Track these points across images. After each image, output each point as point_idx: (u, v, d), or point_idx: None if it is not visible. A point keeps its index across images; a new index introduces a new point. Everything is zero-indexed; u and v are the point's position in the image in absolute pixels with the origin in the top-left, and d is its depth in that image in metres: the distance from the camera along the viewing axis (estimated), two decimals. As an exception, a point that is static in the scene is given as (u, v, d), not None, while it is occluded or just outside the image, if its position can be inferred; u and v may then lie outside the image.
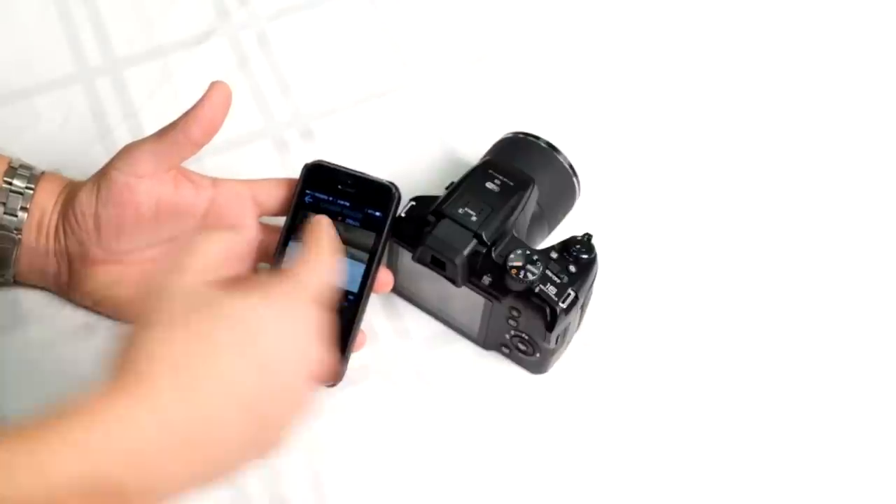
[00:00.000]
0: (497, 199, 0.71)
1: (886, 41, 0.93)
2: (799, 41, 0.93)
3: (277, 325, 0.55)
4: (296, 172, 0.73)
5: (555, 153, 0.76)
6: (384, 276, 0.73)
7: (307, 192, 0.72)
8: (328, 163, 0.73)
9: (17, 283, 0.74)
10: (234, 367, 0.53)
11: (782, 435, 0.74)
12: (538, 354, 0.73)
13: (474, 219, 0.70)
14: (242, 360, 0.53)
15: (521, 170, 0.73)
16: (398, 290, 0.76)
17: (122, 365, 0.52)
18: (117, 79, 0.86)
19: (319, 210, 0.72)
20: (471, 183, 0.71)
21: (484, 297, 0.70)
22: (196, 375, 0.52)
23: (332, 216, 0.72)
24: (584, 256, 0.70)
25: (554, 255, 0.70)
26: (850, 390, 0.76)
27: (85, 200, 0.70)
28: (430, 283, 0.72)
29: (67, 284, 0.73)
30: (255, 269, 0.74)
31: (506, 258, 0.69)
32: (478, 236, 0.69)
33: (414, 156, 0.84)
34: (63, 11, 0.89)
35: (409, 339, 0.76)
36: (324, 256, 0.61)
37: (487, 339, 0.75)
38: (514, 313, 0.70)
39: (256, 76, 0.87)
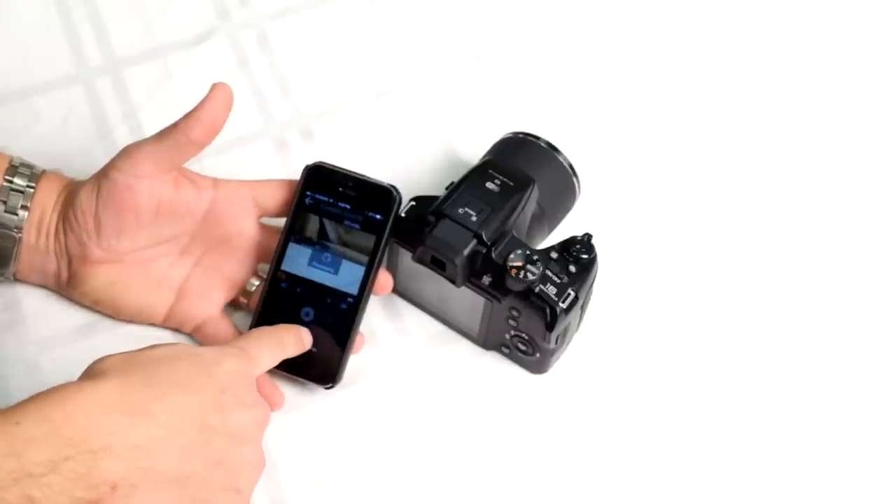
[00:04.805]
0: (497, 199, 0.71)
1: (886, 41, 0.94)
2: (799, 41, 0.93)
3: (216, 371, 0.60)
4: (296, 173, 0.73)
5: (555, 153, 0.76)
6: (384, 279, 0.73)
7: (307, 193, 0.72)
8: (329, 164, 0.73)
9: (17, 281, 0.74)
10: (185, 376, 0.59)
11: (782, 434, 0.74)
12: (538, 354, 0.73)
13: (474, 219, 0.70)
14: (194, 373, 0.59)
15: (521, 170, 0.73)
16: (398, 291, 0.76)
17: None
18: (117, 79, 0.86)
19: (320, 212, 0.72)
20: (471, 183, 0.71)
21: (484, 297, 0.70)
22: (149, 381, 0.58)
23: (333, 218, 0.72)
24: (584, 256, 0.70)
25: (554, 255, 0.70)
26: (849, 389, 0.76)
27: (85, 200, 0.70)
28: (430, 283, 0.72)
29: (67, 283, 0.73)
30: (255, 270, 0.74)
31: (506, 258, 0.69)
32: (478, 236, 0.69)
33: (414, 156, 0.84)
34: (63, 11, 0.89)
35: (409, 339, 0.76)
36: (269, 337, 0.68)
37: (487, 339, 0.75)
38: (514, 313, 0.70)
39: (256, 76, 0.87)
